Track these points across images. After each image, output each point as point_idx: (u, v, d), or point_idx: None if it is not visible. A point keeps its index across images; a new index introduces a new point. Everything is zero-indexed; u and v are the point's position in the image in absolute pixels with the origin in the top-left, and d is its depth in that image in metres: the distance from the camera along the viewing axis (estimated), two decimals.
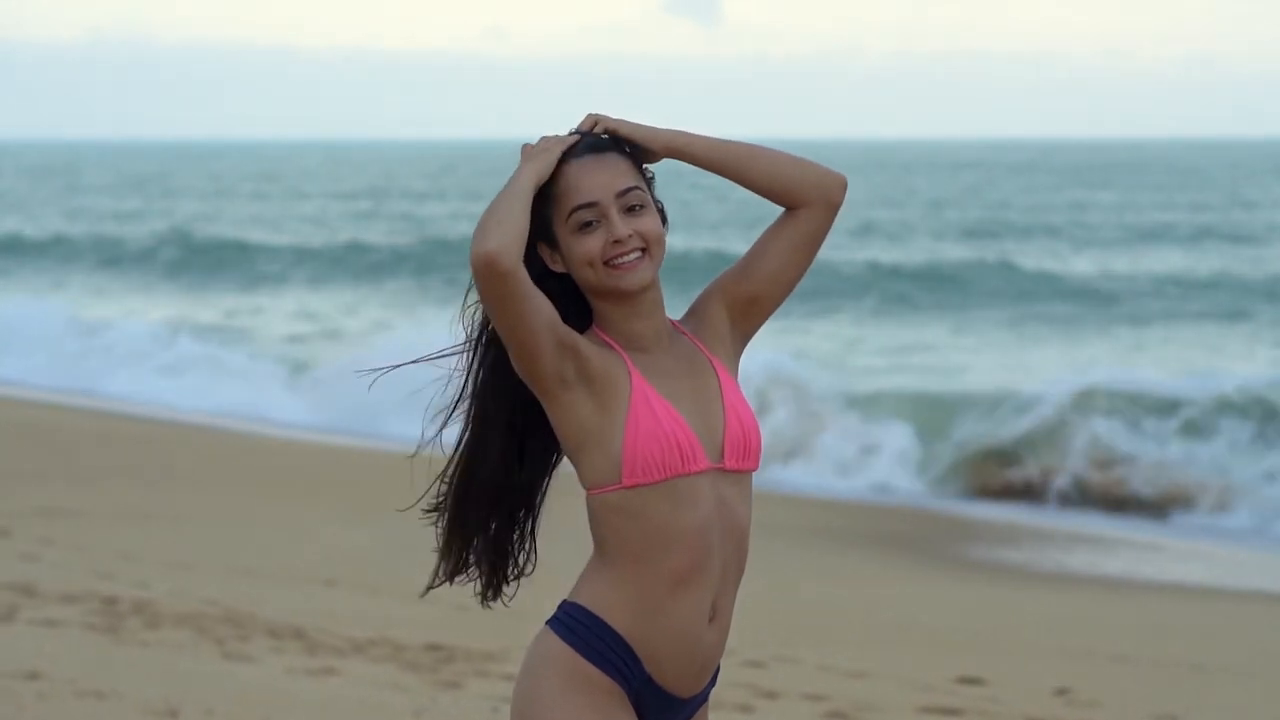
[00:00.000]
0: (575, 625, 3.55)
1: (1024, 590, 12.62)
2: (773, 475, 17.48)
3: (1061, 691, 9.37)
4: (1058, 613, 11.79)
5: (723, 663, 9.38)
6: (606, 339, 3.60)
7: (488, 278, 3.41)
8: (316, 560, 12.31)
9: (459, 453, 3.66)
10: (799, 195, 3.71)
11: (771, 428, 18.62)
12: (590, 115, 3.65)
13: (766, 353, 20.52)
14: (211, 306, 37.32)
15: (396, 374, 3.86)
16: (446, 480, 3.67)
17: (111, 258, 47.97)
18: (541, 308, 3.47)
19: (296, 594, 11.10)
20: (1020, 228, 56.66)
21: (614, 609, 3.54)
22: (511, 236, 3.43)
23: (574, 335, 3.53)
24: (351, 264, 45.26)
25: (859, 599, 12.00)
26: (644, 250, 3.56)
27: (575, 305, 3.61)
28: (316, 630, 9.88)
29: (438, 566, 3.71)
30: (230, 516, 14.14)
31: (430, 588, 3.75)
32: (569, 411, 3.52)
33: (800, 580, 12.60)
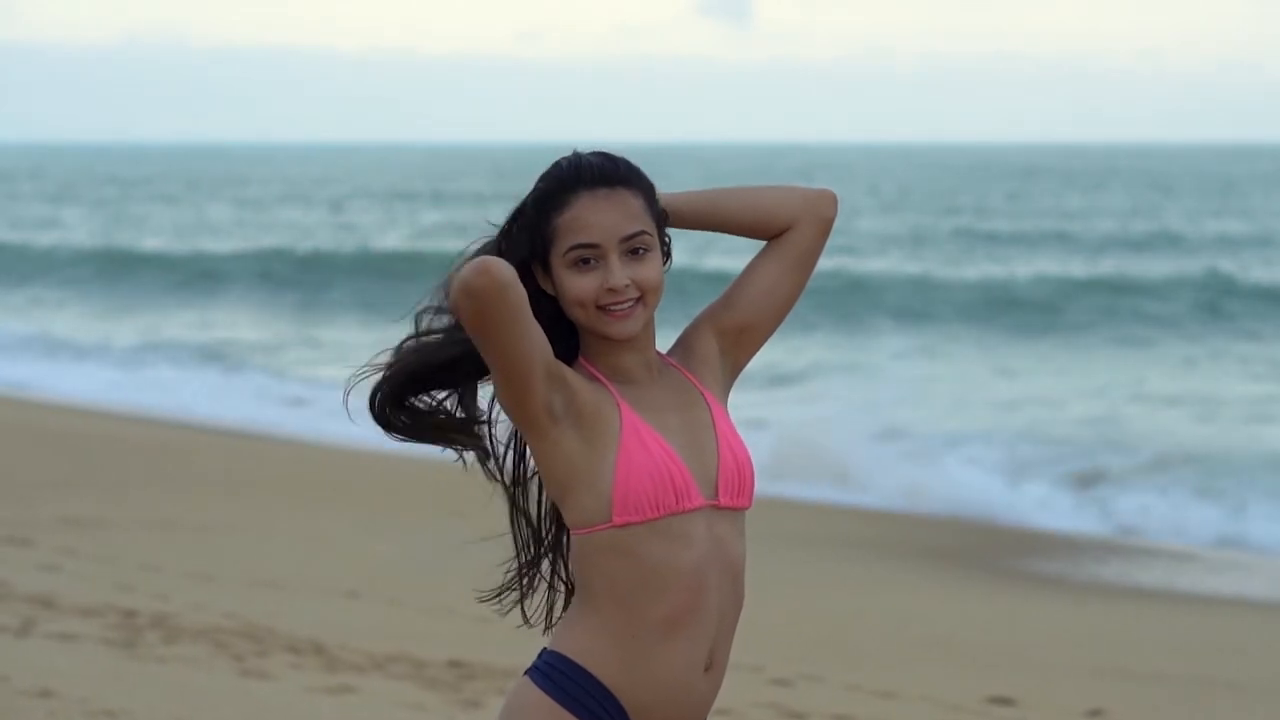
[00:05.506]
0: (556, 675, 3.34)
1: (1057, 603, 12.43)
2: None
3: (1094, 713, 9.19)
4: (1091, 627, 11.61)
5: (750, 681, 9.24)
6: (593, 372, 3.41)
7: (485, 290, 3.17)
8: (339, 571, 12.17)
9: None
10: (786, 218, 3.55)
11: None
12: None
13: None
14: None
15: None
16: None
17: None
18: (537, 329, 3.27)
19: (317, 607, 10.96)
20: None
21: (599, 657, 3.33)
22: (502, 260, 3.24)
23: (561, 365, 3.34)
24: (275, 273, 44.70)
25: (889, 613, 11.82)
26: (639, 299, 3.38)
27: (562, 329, 3.42)
28: (336, 645, 9.74)
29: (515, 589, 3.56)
30: (254, 525, 14.02)
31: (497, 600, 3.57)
32: (556, 448, 3.32)
33: (829, 593, 12.44)
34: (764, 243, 3.60)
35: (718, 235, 3.67)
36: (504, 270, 3.19)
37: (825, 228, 3.57)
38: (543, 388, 3.28)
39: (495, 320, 3.21)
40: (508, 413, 3.35)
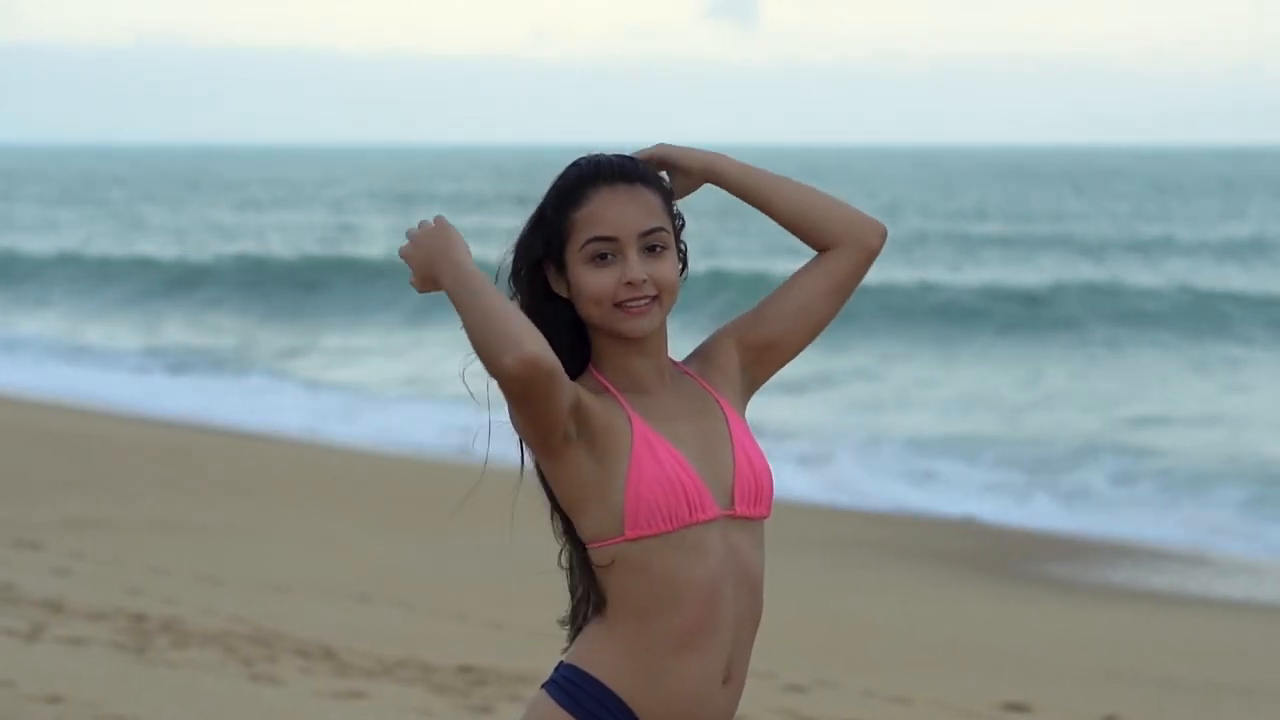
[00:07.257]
0: (572, 689, 3.29)
1: (1067, 607, 12.40)
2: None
3: (1107, 718, 9.15)
4: (1103, 632, 11.57)
5: (763, 687, 9.18)
6: (603, 382, 3.35)
7: (533, 380, 3.13)
8: (348, 574, 12.12)
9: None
10: (829, 233, 3.49)
11: None
12: (660, 146, 3.44)
13: None
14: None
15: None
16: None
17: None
18: (568, 384, 3.23)
19: (326, 610, 10.92)
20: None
21: (614, 670, 3.28)
22: (538, 333, 3.17)
23: (577, 389, 3.28)
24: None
25: (900, 617, 11.78)
26: (655, 297, 3.32)
27: (574, 333, 3.37)
28: (346, 650, 9.70)
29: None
30: (260, 528, 13.98)
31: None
32: (570, 466, 3.27)
33: (839, 598, 12.40)
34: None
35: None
36: (550, 359, 3.14)
37: (867, 256, 3.49)
38: (565, 423, 3.24)
39: (538, 398, 3.18)
40: (522, 438, 3.30)
